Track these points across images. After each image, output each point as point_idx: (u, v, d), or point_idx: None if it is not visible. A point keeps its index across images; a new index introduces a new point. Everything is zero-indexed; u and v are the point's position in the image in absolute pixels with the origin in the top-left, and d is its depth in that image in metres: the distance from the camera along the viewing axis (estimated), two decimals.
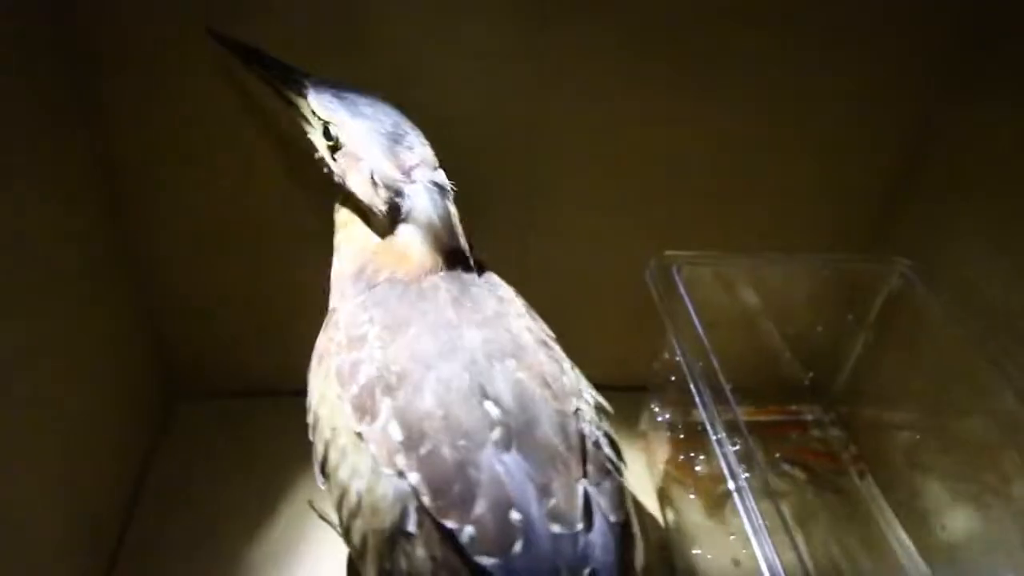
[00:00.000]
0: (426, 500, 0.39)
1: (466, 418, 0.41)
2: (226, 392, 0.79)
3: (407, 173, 0.48)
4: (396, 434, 0.41)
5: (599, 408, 0.48)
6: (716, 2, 0.58)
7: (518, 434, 0.41)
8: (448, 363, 0.43)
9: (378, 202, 0.49)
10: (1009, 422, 0.59)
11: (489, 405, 0.42)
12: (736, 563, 0.65)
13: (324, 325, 0.50)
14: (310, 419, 0.48)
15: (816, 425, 0.79)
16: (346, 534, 0.45)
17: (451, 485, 0.39)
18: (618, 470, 0.45)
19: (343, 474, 0.43)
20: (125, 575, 0.63)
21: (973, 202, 0.65)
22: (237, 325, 0.74)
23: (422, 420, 0.41)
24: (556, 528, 0.39)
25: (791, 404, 0.80)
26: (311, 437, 0.48)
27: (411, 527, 0.39)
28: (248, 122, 0.60)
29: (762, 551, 0.45)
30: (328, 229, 0.56)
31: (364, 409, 0.43)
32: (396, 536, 0.40)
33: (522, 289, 0.54)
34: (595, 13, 0.57)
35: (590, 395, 0.48)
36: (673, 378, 0.66)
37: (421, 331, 0.45)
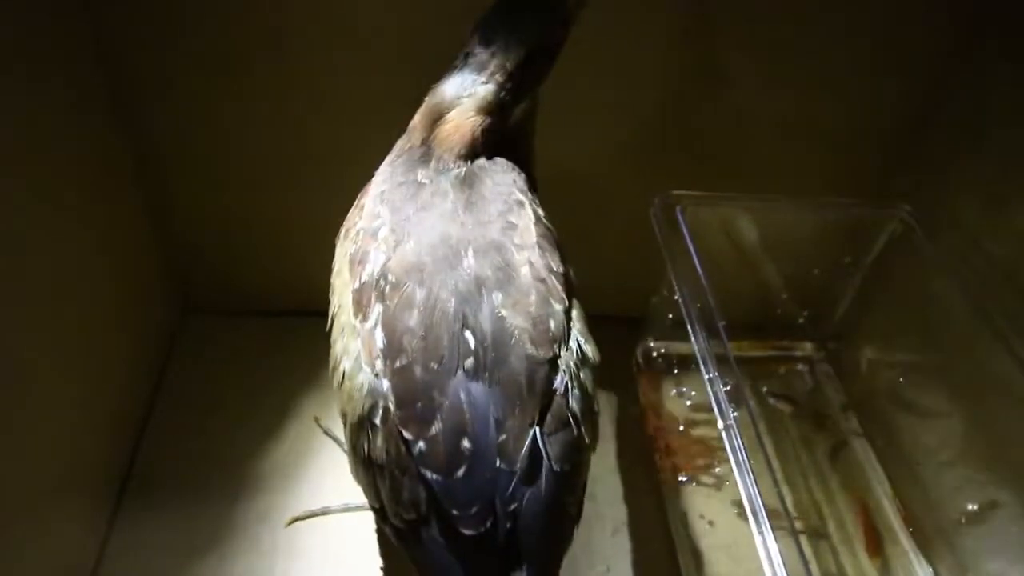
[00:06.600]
0: (391, 406, 0.42)
1: (444, 343, 0.42)
2: (235, 310, 0.81)
3: None
4: (379, 340, 0.43)
5: (583, 358, 0.46)
6: None
7: (488, 367, 0.42)
8: (440, 284, 0.44)
9: None
10: (989, 369, 0.61)
11: (468, 334, 0.43)
12: (720, 488, 0.69)
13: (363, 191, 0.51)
14: (333, 279, 0.50)
15: (806, 362, 0.82)
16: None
17: (415, 402, 0.41)
18: (579, 425, 0.44)
19: (338, 348, 0.46)
20: (140, 483, 0.67)
21: (978, 156, 0.65)
22: (246, 246, 0.75)
23: (403, 335, 0.42)
24: (499, 463, 0.41)
25: (784, 340, 0.82)
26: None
27: (377, 420, 0.43)
28: (259, 45, 0.60)
29: (744, 486, 0.48)
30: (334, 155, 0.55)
31: (360, 305, 0.45)
32: (365, 422, 0.43)
33: None
34: None
35: (578, 343, 0.46)
36: (671, 315, 0.68)
37: (422, 244, 0.45)
